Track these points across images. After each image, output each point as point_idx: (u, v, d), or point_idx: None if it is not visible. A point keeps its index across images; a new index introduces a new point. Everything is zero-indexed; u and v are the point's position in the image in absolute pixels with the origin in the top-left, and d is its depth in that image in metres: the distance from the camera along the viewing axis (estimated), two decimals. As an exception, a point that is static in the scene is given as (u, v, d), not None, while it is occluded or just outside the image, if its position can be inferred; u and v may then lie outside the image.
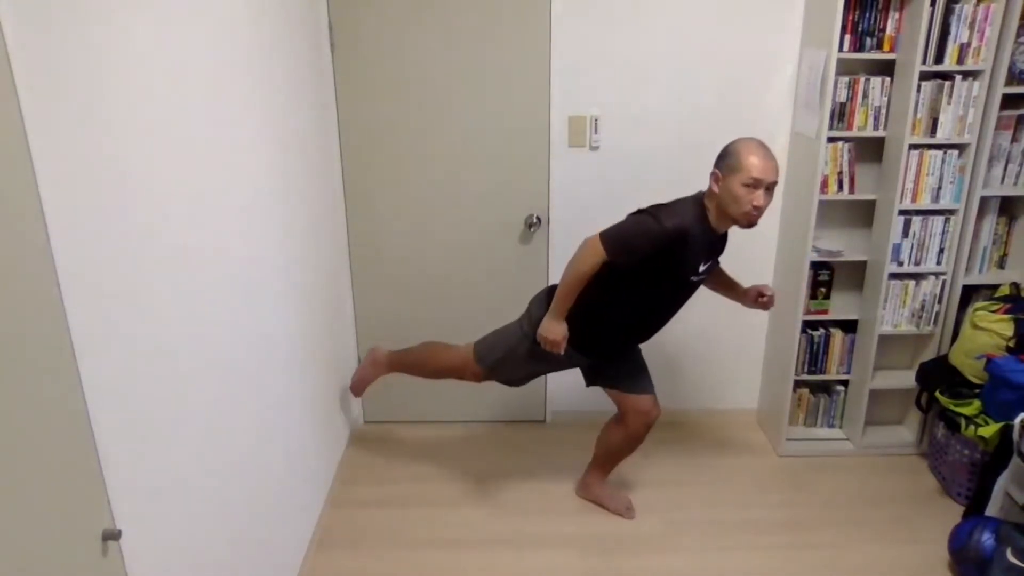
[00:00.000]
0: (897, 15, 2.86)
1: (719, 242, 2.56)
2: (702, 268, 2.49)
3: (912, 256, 3.07)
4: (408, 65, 3.07)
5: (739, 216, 2.37)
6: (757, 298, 2.70)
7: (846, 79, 2.91)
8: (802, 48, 3.07)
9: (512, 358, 2.73)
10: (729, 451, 3.36)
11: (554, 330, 2.51)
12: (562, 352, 2.55)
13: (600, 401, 3.05)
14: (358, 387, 3.22)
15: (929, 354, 3.22)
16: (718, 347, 3.54)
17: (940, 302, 3.13)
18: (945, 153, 2.94)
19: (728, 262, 3.39)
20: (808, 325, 3.27)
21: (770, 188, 2.36)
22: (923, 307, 3.14)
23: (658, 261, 2.39)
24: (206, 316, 1.85)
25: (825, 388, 3.45)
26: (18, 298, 1.16)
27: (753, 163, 2.31)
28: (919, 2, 2.75)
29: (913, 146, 2.92)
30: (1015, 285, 3.04)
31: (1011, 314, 2.89)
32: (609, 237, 2.39)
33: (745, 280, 3.44)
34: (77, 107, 1.32)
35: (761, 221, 3.35)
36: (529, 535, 2.84)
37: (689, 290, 2.57)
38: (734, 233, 3.30)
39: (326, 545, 2.79)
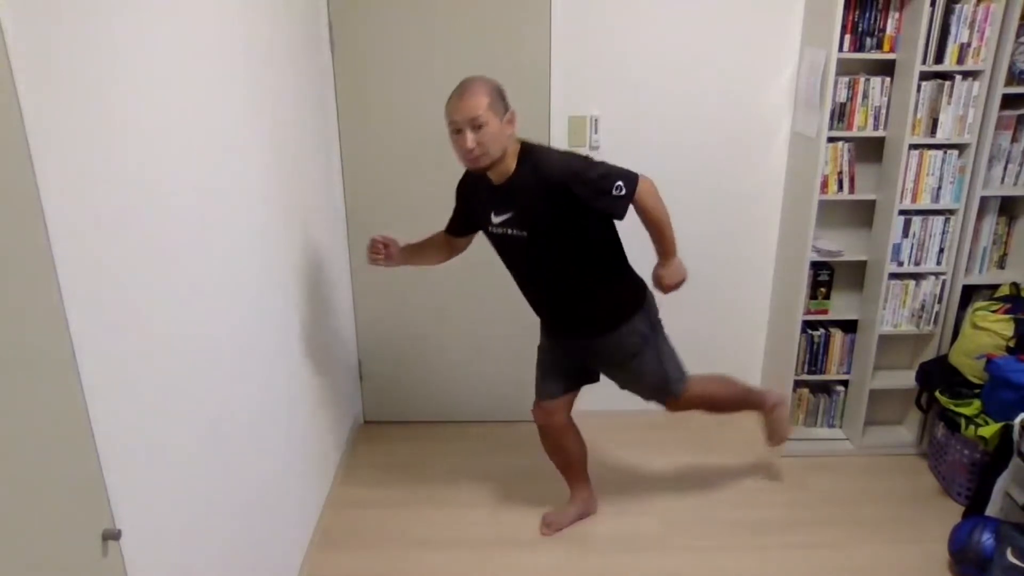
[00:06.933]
0: (897, 15, 2.86)
1: (507, 193, 2.32)
2: (496, 219, 2.37)
3: (912, 256, 3.07)
4: (408, 65, 3.07)
5: (464, 163, 2.28)
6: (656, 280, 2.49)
7: (846, 79, 2.91)
8: (802, 48, 3.06)
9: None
10: (729, 451, 3.36)
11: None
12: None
13: (600, 401, 3.05)
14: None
15: (929, 354, 3.22)
16: (718, 347, 3.53)
17: (940, 302, 3.13)
18: (945, 153, 2.94)
19: (728, 261, 3.40)
20: (808, 325, 3.27)
21: (475, 126, 2.15)
22: (923, 307, 3.14)
23: (464, 209, 2.52)
24: (207, 316, 1.85)
25: (825, 388, 3.45)
26: (18, 298, 1.16)
27: (448, 109, 2.20)
28: (919, 2, 2.74)
29: (913, 146, 2.92)
30: (1015, 285, 3.03)
31: (1011, 314, 2.89)
32: None
33: (745, 279, 3.45)
34: (77, 107, 1.32)
35: (761, 220, 3.39)
36: (529, 535, 2.84)
37: (514, 246, 2.39)
38: (735, 227, 3.34)
39: (326, 545, 2.79)
